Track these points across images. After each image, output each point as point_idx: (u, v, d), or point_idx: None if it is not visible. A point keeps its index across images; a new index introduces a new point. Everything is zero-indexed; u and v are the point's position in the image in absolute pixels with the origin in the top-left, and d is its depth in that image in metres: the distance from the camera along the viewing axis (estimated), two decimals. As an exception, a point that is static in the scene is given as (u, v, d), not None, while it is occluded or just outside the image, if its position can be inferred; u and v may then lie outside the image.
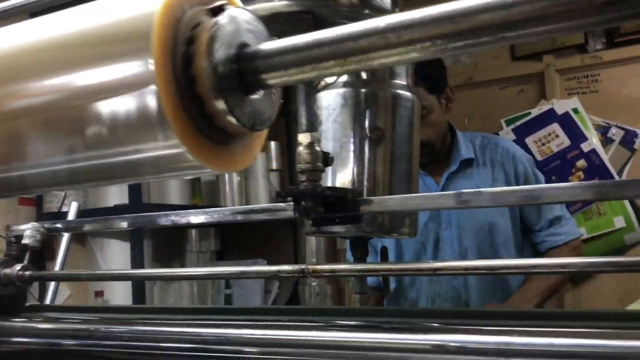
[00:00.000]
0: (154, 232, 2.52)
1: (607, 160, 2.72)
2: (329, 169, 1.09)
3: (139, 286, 2.13)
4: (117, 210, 2.16)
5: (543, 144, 2.79)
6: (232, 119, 0.52)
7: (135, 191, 2.20)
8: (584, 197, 0.69)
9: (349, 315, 0.82)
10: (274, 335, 0.77)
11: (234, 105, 0.51)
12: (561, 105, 2.79)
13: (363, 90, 1.04)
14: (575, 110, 2.77)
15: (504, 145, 1.95)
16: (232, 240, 3.09)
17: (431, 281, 1.88)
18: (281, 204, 0.91)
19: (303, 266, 0.85)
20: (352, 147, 1.07)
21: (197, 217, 0.96)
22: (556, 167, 2.76)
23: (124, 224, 1.01)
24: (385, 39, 0.50)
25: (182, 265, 2.69)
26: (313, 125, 0.85)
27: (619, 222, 2.64)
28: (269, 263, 2.83)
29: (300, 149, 0.85)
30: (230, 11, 0.53)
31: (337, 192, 0.87)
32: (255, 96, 0.54)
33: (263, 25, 0.55)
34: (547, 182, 2.76)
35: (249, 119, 0.53)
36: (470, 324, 0.69)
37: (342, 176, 1.07)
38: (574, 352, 0.60)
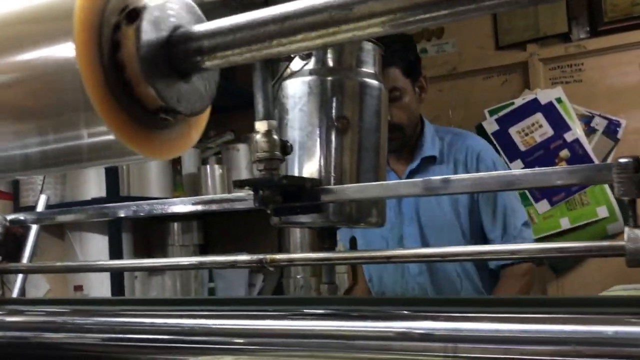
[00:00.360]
0: (134, 225, 2.50)
1: (590, 150, 2.72)
2: (296, 158, 1.08)
3: (118, 280, 2.11)
4: (95, 203, 2.14)
5: (526, 134, 2.78)
6: (164, 106, 0.50)
7: (113, 184, 2.18)
8: (533, 185, 0.69)
9: (316, 304, 0.81)
10: (239, 325, 0.77)
11: (164, 90, 0.50)
12: (545, 95, 2.78)
13: (329, 78, 1.03)
14: (559, 100, 2.76)
15: (471, 145, 1.87)
16: (216, 233, 3.07)
17: (397, 280, 1.87)
18: (242, 193, 0.90)
19: (261, 256, 0.84)
20: (318, 136, 1.06)
21: (159, 209, 0.94)
22: (539, 157, 2.76)
23: (85, 215, 0.99)
24: (318, 17, 0.49)
25: (164, 259, 2.68)
26: (270, 112, 0.84)
27: (602, 212, 2.64)
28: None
29: (258, 137, 0.83)
30: (161, -7, 0.52)
31: (295, 181, 0.86)
32: (188, 80, 0.53)
33: (197, 8, 0.54)
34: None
35: (181, 104, 0.52)
36: (436, 311, 0.68)
37: (308, 166, 1.06)
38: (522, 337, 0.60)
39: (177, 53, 0.50)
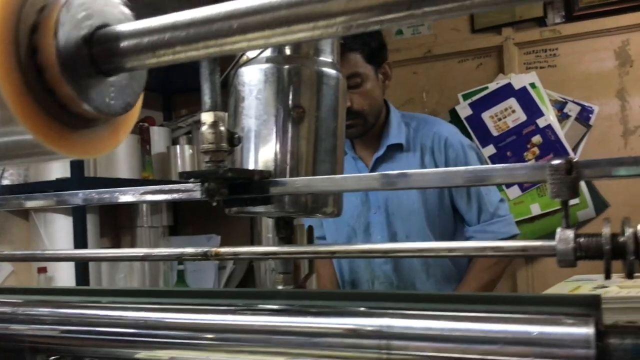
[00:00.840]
0: (101, 206, 2.47)
1: (562, 136, 2.73)
2: (251, 147, 1.08)
3: (83, 262, 2.08)
4: (59, 184, 2.11)
5: (499, 119, 2.79)
6: (85, 105, 0.49)
7: (78, 164, 2.15)
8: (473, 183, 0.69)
9: (271, 298, 0.81)
10: (187, 319, 0.77)
11: (86, 91, 0.49)
12: (519, 80, 2.78)
13: (286, 66, 1.02)
14: (533, 85, 2.76)
15: (437, 130, 1.86)
16: (186, 215, 3.05)
17: (365, 267, 1.88)
18: (190, 184, 0.89)
19: (206, 249, 0.84)
20: (274, 125, 1.05)
21: (107, 198, 0.93)
22: (512, 142, 2.76)
23: (31, 203, 0.98)
24: (245, 22, 0.48)
25: (133, 241, 2.66)
26: (217, 104, 0.83)
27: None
28: (224, 239, 2.81)
29: (204, 128, 0.83)
30: (82, -11, 0.50)
31: (242, 174, 0.85)
32: (112, 79, 0.51)
33: (123, 6, 0.53)
34: (502, 158, 2.77)
35: (106, 104, 0.51)
36: (372, 307, 0.69)
37: (264, 154, 1.05)
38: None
39: (99, 52, 0.49)
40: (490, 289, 1.79)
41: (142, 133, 2.66)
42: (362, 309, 0.68)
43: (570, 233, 0.64)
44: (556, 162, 0.63)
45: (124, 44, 0.50)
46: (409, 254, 0.72)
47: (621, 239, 0.62)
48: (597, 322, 0.59)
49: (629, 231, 0.62)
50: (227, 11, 0.48)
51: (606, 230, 0.63)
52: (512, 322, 0.61)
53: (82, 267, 2.10)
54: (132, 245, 2.70)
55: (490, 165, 0.69)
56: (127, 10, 0.54)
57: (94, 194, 0.94)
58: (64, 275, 2.14)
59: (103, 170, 2.36)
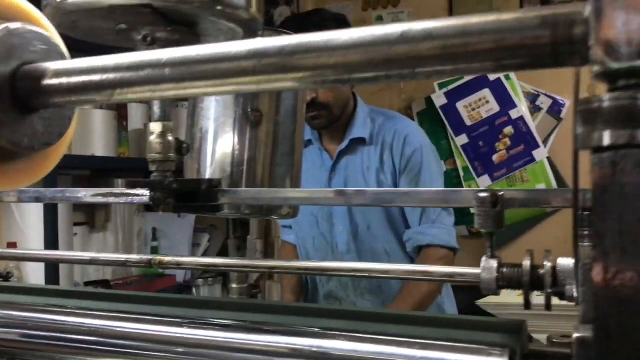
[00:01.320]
0: (75, 181, 2.46)
1: (534, 128, 2.76)
2: (209, 148, 1.09)
3: (53, 236, 2.08)
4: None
5: (473, 109, 2.81)
6: (2, 140, 0.50)
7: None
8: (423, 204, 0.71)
9: (223, 310, 0.81)
10: (129, 329, 0.77)
11: (5, 126, 0.50)
12: (494, 71, 2.80)
13: (245, 69, 1.02)
14: (507, 77, 2.78)
15: (399, 128, 1.87)
16: (162, 191, 3.05)
17: (327, 258, 1.91)
18: (141, 190, 0.91)
19: (150, 257, 0.86)
20: (231, 127, 1.07)
21: (59, 197, 0.95)
22: (484, 132, 2.79)
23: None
24: (167, 71, 0.49)
25: (107, 216, 2.66)
26: (166, 114, 0.84)
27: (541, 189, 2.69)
28: (199, 217, 2.82)
29: (152, 138, 0.84)
30: (12, 25, 0.51)
31: (188, 185, 0.86)
32: (34, 116, 0.52)
33: (58, 43, 0.54)
34: (474, 148, 2.80)
35: (25, 140, 0.51)
36: (304, 324, 0.71)
37: (220, 156, 1.07)
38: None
39: (23, 89, 0.50)
40: (425, 307, 1.79)
41: (119, 109, 2.64)
42: (293, 327, 0.70)
43: (494, 263, 0.67)
44: (482, 195, 0.65)
45: (48, 82, 0.50)
46: (343, 273, 0.75)
47: (541, 272, 0.65)
48: (512, 352, 0.62)
49: (547, 265, 0.65)
50: (159, 59, 0.49)
51: (526, 263, 0.66)
52: (433, 348, 0.63)
53: (52, 243, 2.10)
54: (107, 221, 2.71)
55: (424, 189, 0.71)
56: (60, 48, 0.54)
57: (47, 193, 0.96)
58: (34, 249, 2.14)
59: (78, 147, 2.34)
